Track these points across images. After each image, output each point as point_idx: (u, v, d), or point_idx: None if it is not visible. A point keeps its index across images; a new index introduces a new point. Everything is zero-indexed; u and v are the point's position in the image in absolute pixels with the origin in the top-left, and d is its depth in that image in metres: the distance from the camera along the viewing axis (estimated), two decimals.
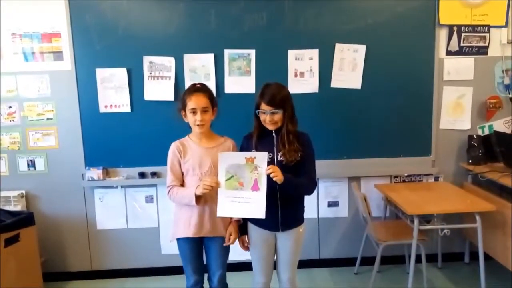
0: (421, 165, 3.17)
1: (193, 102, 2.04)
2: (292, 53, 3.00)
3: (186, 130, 2.19)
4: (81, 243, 3.20)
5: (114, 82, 2.97)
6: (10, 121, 3.03)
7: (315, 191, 2.56)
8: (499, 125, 3.17)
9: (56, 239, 3.18)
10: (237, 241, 2.19)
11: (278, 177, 1.92)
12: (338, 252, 3.30)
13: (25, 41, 2.96)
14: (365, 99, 3.06)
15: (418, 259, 2.68)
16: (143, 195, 3.16)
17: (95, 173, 3.02)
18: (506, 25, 3.07)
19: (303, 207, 2.21)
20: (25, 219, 2.80)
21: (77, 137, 3.02)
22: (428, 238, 2.82)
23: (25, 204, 3.09)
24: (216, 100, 2.18)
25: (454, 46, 3.08)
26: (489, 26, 3.06)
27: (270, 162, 2.01)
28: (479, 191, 2.94)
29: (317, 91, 3.02)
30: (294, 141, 2.06)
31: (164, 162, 2.20)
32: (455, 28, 3.06)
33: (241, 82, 3.00)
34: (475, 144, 3.09)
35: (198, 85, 2.13)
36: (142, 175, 3.05)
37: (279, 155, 2.07)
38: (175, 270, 3.02)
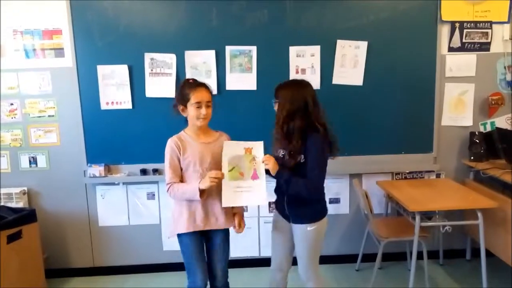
0: (423, 162, 3.16)
1: (198, 96, 2.06)
2: (293, 50, 2.99)
3: (186, 126, 2.18)
4: (83, 239, 3.21)
5: (115, 79, 2.96)
6: (12, 118, 3.04)
7: None
8: (501, 121, 3.16)
9: (58, 236, 3.19)
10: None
11: (269, 165, 2.01)
12: (339, 249, 3.30)
13: (26, 38, 2.96)
14: (366, 95, 3.05)
15: (420, 256, 2.68)
16: (144, 192, 3.17)
17: (97, 170, 3.02)
18: (508, 21, 3.06)
19: (316, 207, 2.14)
20: (27, 215, 2.81)
21: (78, 134, 3.02)
22: (430, 235, 2.82)
23: (27, 201, 3.10)
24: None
25: (456, 42, 3.07)
26: (491, 22, 3.05)
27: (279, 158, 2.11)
28: (481, 188, 2.94)
29: (318, 87, 3.00)
30: (297, 140, 2.03)
31: None
32: (457, 24, 3.04)
33: (243, 79, 3.00)
34: (477, 141, 3.08)
35: (194, 80, 2.13)
36: (144, 172, 3.06)
37: (281, 151, 2.10)
38: (177, 267, 3.03)
